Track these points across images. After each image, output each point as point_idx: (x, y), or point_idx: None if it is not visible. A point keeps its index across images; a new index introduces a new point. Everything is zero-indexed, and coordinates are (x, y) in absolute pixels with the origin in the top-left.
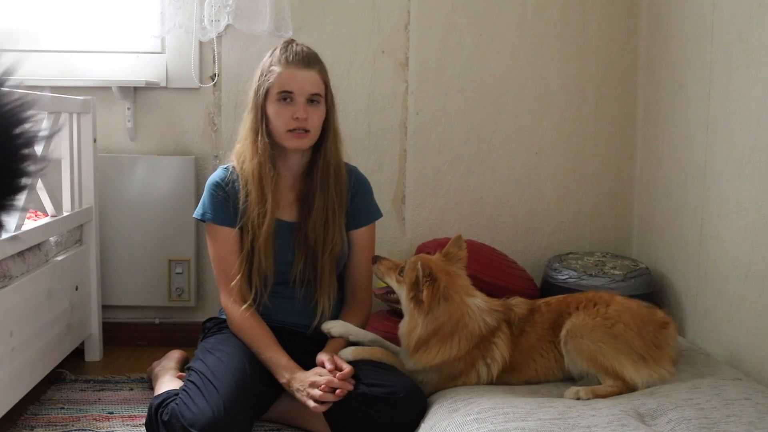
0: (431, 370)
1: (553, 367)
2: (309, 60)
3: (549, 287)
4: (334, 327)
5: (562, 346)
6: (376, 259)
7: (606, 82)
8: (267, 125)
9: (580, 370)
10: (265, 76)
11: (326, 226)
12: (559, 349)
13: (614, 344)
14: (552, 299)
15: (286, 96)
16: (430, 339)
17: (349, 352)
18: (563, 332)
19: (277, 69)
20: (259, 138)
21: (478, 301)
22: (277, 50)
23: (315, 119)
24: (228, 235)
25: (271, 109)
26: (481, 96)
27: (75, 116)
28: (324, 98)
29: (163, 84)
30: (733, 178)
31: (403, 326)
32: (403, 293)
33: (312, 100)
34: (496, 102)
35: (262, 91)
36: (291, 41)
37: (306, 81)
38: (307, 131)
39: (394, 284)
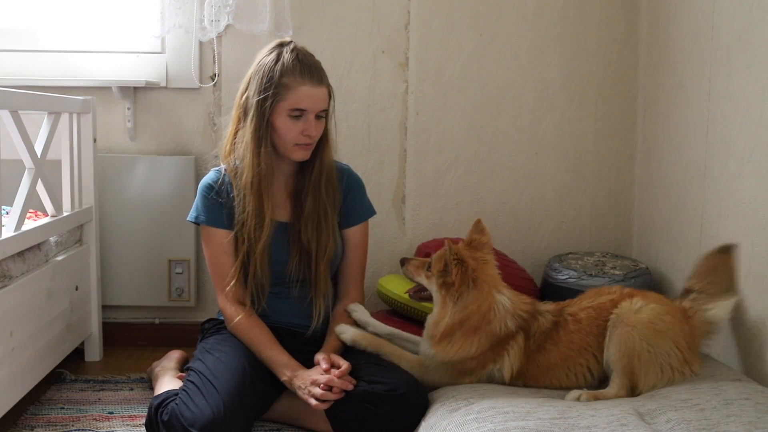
0: (444, 363)
1: (579, 385)
2: (321, 75)
3: (549, 287)
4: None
5: (609, 328)
6: (404, 261)
7: (606, 82)
8: (271, 135)
9: (610, 354)
10: (275, 88)
11: (319, 229)
12: (591, 369)
13: (658, 346)
14: (581, 312)
15: (299, 114)
16: (455, 330)
17: (350, 336)
18: (613, 316)
19: (290, 83)
20: (263, 150)
21: (505, 299)
22: (286, 57)
23: (320, 132)
24: (222, 237)
25: (279, 122)
26: (481, 96)
27: (75, 116)
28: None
29: (163, 84)
30: (733, 178)
31: (432, 317)
32: (433, 285)
33: (320, 116)
34: (496, 102)
35: (269, 103)
36: (294, 46)
37: (320, 99)
38: (311, 143)
39: (423, 280)
